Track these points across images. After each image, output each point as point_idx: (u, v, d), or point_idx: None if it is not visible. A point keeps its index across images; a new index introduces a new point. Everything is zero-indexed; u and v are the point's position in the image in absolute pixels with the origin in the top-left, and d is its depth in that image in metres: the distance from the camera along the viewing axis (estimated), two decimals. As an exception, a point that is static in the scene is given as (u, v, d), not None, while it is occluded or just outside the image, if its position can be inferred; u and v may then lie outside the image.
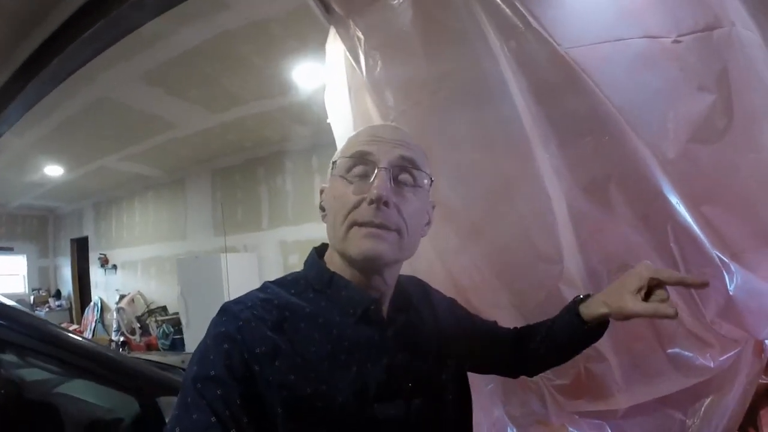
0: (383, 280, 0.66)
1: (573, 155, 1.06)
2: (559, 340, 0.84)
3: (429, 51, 1.27)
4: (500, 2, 1.07)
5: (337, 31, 1.49)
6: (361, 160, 0.63)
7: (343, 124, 1.52)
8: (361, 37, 1.38)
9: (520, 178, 1.17)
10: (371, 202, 0.60)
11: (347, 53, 1.46)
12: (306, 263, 0.71)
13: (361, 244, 0.60)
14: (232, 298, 0.62)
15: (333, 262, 0.67)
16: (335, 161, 0.67)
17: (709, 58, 0.94)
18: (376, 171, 0.62)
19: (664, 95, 0.98)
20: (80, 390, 1.40)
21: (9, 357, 1.30)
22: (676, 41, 0.94)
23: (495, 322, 0.92)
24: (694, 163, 0.96)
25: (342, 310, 0.63)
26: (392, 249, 0.62)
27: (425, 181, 0.68)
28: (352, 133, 0.71)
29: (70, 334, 1.37)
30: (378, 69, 1.37)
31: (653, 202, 0.99)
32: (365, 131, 0.68)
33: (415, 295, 0.77)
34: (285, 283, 0.66)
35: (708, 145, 0.95)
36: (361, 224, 0.61)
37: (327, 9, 1.52)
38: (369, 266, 0.63)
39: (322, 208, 0.69)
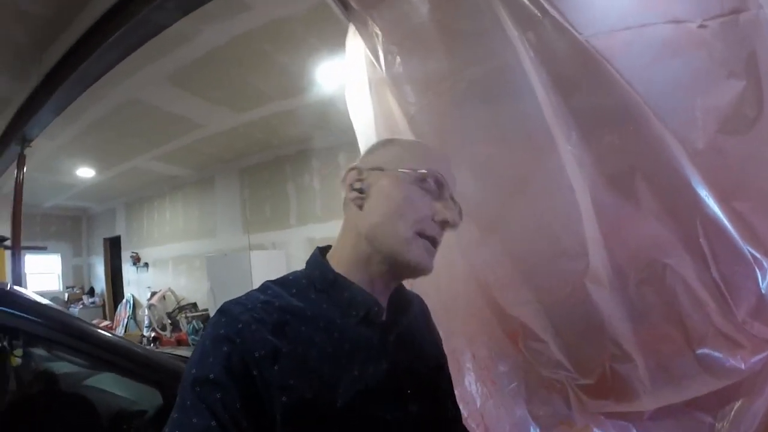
0: (395, 283, 0.69)
1: (596, 147, 1.03)
2: None
3: (447, 45, 1.26)
4: (517, -9, 1.04)
5: (356, 28, 1.49)
6: (435, 179, 0.66)
7: (364, 120, 1.52)
8: (379, 33, 1.38)
9: (542, 171, 1.14)
10: (445, 224, 0.65)
11: (366, 49, 1.46)
12: (309, 262, 0.70)
13: (422, 255, 0.63)
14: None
15: (339, 262, 0.67)
16: (402, 162, 0.67)
17: (736, 43, 0.89)
18: (448, 197, 0.67)
19: (691, 83, 0.93)
20: (107, 383, 1.45)
21: (40, 351, 1.36)
22: (701, 26, 0.90)
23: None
24: (723, 154, 0.91)
25: (344, 312, 0.63)
26: (432, 265, 0.66)
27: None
28: (424, 150, 0.73)
29: (97, 329, 1.42)
30: (397, 64, 1.36)
31: (681, 195, 0.94)
32: (443, 155, 0.72)
33: (415, 302, 0.77)
34: (286, 282, 0.66)
35: (738, 135, 0.90)
36: (426, 237, 0.64)
37: (345, 6, 1.52)
38: (412, 275, 0.67)
39: (362, 191, 0.67)
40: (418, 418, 0.64)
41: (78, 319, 1.46)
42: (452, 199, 0.68)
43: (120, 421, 1.38)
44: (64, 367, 1.42)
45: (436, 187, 0.66)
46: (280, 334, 0.57)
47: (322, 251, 0.71)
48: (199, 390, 0.52)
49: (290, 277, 0.67)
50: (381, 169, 0.67)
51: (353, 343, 0.61)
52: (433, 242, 0.65)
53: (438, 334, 0.83)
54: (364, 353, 0.61)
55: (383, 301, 0.67)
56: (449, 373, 0.76)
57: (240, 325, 0.56)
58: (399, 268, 0.65)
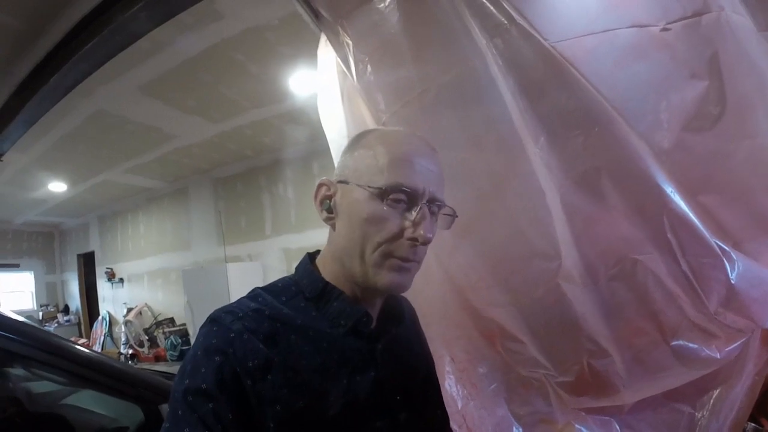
0: (381, 298, 0.67)
1: (563, 149, 1.05)
2: None
3: (417, 52, 1.27)
4: (485, 0, 1.06)
5: (327, 37, 1.50)
6: (403, 192, 0.59)
7: (335, 129, 1.52)
8: (350, 42, 1.39)
9: (512, 175, 1.16)
10: (416, 242, 0.59)
11: (338, 58, 1.46)
12: (298, 269, 0.69)
13: (392, 277, 0.60)
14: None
15: (328, 270, 0.66)
16: (368, 170, 0.61)
17: (699, 45, 0.92)
18: (420, 207, 0.60)
19: (655, 85, 0.97)
20: (86, 401, 1.41)
21: (17, 370, 1.31)
22: (664, 29, 0.93)
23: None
24: (688, 152, 0.94)
25: (332, 322, 0.63)
26: (411, 280, 0.63)
27: (450, 218, 0.67)
28: (391, 143, 0.63)
29: (75, 346, 1.38)
30: (368, 72, 1.37)
31: (648, 193, 0.97)
32: (410, 154, 0.62)
33: (406, 310, 0.77)
34: (276, 290, 0.65)
35: (702, 133, 0.93)
36: (396, 257, 0.60)
37: (316, 15, 1.52)
38: (386, 294, 0.66)
39: (330, 210, 0.64)
40: (408, 426, 0.64)
41: (55, 335, 1.42)
42: (429, 205, 0.61)
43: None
44: (42, 386, 1.38)
45: (405, 197, 0.59)
46: (272, 343, 0.57)
47: (312, 257, 0.70)
48: (192, 400, 0.52)
49: (279, 284, 0.66)
50: (346, 183, 0.63)
51: (342, 354, 0.61)
52: (406, 261, 0.60)
53: (425, 339, 0.83)
54: (352, 363, 0.61)
55: (373, 311, 0.66)
56: (437, 380, 0.77)
57: (232, 335, 0.55)
58: (371, 290, 0.63)
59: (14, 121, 3.09)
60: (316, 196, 0.66)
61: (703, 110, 0.94)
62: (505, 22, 1.03)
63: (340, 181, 0.64)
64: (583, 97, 0.97)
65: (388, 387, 0.64)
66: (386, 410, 0.63)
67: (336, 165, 0.69)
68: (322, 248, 0.71)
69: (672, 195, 0.96)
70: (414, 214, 0.60)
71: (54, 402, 1.39)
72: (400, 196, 0.59)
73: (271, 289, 0.65)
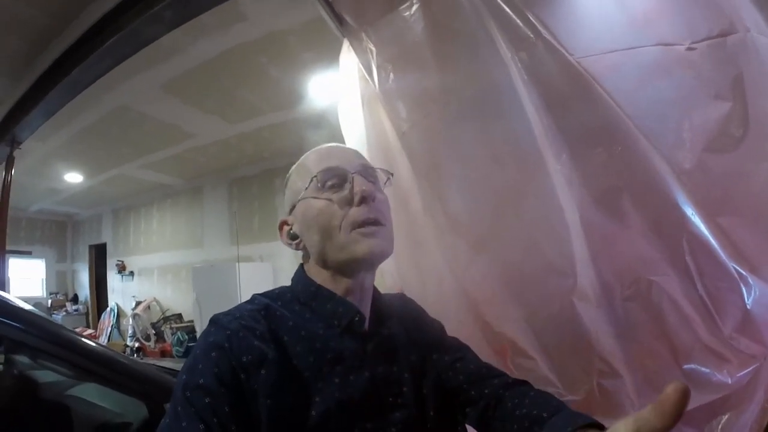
0: (370, 281, 0.70)
1: (585, 166, 1.05)
2: None
3: (440, 62, 1.28)
4: (511, 13, 1.07)
5: (350, 43, 1.51)
6: (330, 173, 0.67)
7: (356, 135, 1.53)
8: (373, 49, 1.40)
9: (532, 190, 1.16)
10: (361, 200, 0.65)
11: (360, 65, 1.47)
12: (293, 278, 0.73)
13: (367, 243, 0.64)
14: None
15: (318, 275, 0.69)
16: (299, 187, 0.70)
17: (724, 65, 0.92)
18: (350, 177, 0.67)
19: (678, 104, 0.96)
20: (91, 393, 1.42)
21: (23, 358, 1.32)
22: (690, 48, 0.93)
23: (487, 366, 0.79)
24: (709, 173, 0.93)
25: (326, 323, 0.65)
26: (389, 243, 0.67)
27: (385, 177, 0.74)
28: (306, 156, 0.75)
29: (83, 339, 1.40)
30: (390, 81, 1.38)
31: (668, 213, 0.96)
32: (317, 153, 0.73)
33: (397, 308, 0.78)
34: (272, 295, 0.69)
35: (724, 154, 0.92)
36: (359, 224, 0.64)
37: (340, 21, 1.54)
38: (373, 263, 0.67)
39: (294, 236, 0.71)
40: (403, 426, 0.64)
41: (62, 327, 1.43)
42: (360, 174, 0.67)
43: (104, 433, 1.35)
44: (47, 375, 1.39)
45: (334, 178, 0.67)
46: (266, 341, 0.59)
47: (305, 267, 0.73)
48: (189, 395, 0.54)
49: (276, 291, 0.71)
50: (293, 207, 0.71)
51: (335, 353, 0.63)
52: (369, 222, 0.65)
53: (433, 329, 0.83)
54: (345, 363, 0.63)
55: (365, 310, 0.69)
56: (437, 378, 0.74)
57: (229, 332, 0.58)
58: (358, 265, 0.66)
59: (33, 111, 3.16)
60: (281, 235, 0.74)
61: (726, 131, 0.93)
62: (531, 35, 1.04)
63: (290, 210, 0.72)
64: (607, 114, 0.96)
65: (381, 386, 0.65)
66: (378, 410, 0.63)
67: None
68: None
69: (692, 217, 0.95)
70: (350, 185, 0.66)
71: (60, 392, 1.40)
72: (334, 181, 0.67)
73: (269, 294, 0.70)
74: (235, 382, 0.55)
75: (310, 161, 0.72)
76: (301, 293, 0.68)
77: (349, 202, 0.65)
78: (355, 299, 0.68)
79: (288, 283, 0.73)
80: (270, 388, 0.56)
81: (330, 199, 0.66)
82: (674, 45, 0.94)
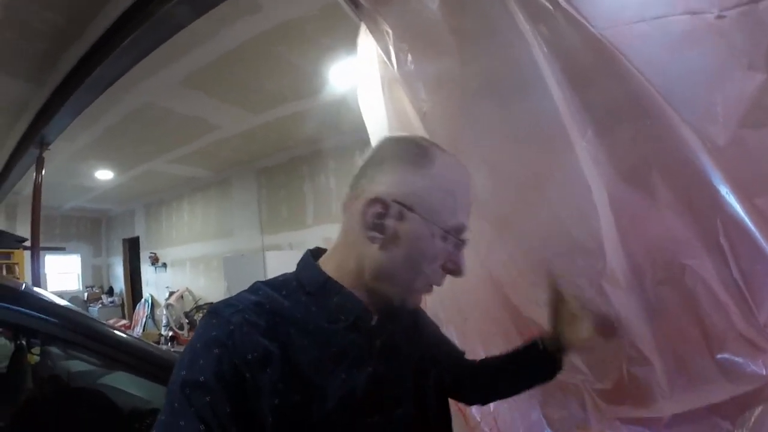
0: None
1: (612, 143, 1.00)
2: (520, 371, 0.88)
3: (458, 40, 1.24)
4: (528, -16, 1.02)
5: (367, 26, 1.49)
6: (459, 232, 0.64)
7: (376, 119, 1.51)
8: (390, 31, 1.37)
9: (557, 168, 1.11)
10: (454, 275, 0.64)
11: (378, 48, 1.45)
12: (299, 265, 0.69)
13: (419, 301, 0.66)
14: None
15: (331, 267, 0.65)
16: (432, 204, 0.61)
17: (756, 34, 0.84)
18: (461, 246, 0.64)
19: (710, 76, 0.90)
20: (121, 381, 1.48)
21: (57, 350, 1.38)
22: (719, 16, 0.86)
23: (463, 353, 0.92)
24: (745, 149, 0.87)
25: (332, 317, 0.62)
26: None
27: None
28: (458, 181, 0.66)
29: (112, 329, 1.45)
30: (408, 62, 1.35)
31: (701, 192, 0.90)
32: (468, 193, 0.67)
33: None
34: (276, 284, 0.65)
35: (760, 129, 0.86)
36: (432, 284, 0.64)
37: (356, 4, 1.51)
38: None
39: (381, 230, 0.60)
40: (405, 422, 0.64)
41: (93, 319, 1.49)
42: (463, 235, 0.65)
43: (134, 419, 1.40)
44: (79, 365, 1.45)
45: (456, 236, 0.63)
46: (272, 336, 0.56)
47: (314, 253, 0.70)
48: (189, 393, 0.51)
49: (280, 279, 0.67)
50: (410, 210, 0.60)
51: (340, 348, 0.61)
52: (437, 285, 0.65)
53: (432, 329, 0.84)
54: (350, 359, 0.61)
55: (372, 307, 0.65)
56: (440, 375, 0.75)
57: (231, 327, 0.55)
58: (388, 299, 0.65)
59: (59, 113, 3.26)
60: (365, 213, 0.61)
61: (761, 104, 0.86)
62: (550, 7, 0.98)
63: (400, 203, 0.60)
64: (634, 88, 0.91)
65: (384, 383, 0.63)
66: (383, 406, 0.62)
67: (382, 168, 0.65)
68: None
69: (727, 196, 0.89)
70: (457, 249, 0.64)
71: (92, 381, 1.46)
72: (452, 237, 0.63)
73: (272, 282, 0.65)
74: (237, 380, 0.53)
75: (463, 191, 0.65)
76: (308, 283, 0.64)
77: (443, 261, 0.63)
78: (365, 299, 0.64)
79: None
80: (276, 386, 0.54)
81: (440, 251, 0.62)
82: (703, 13, 0.87)
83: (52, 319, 1.23)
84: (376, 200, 0.60)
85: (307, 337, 0.59)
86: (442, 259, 0.62)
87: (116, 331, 1.45)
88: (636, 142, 0.97)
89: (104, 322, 1.56)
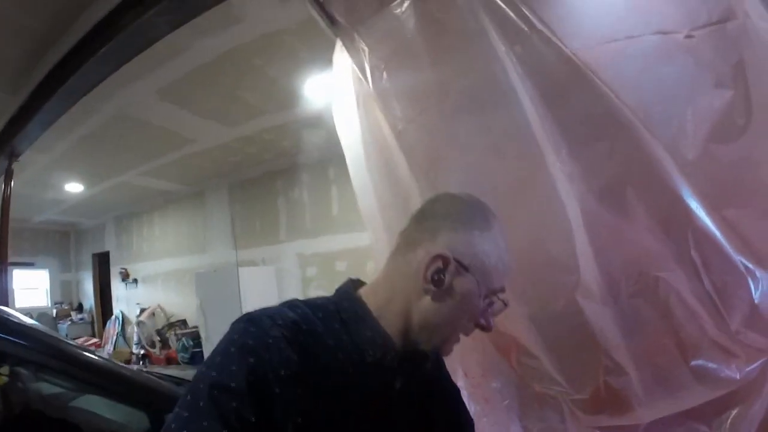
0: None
1: (586, 160, 1.03)
2: None
3: (434, 59, 1.26)
4: (504, 6, 1.04)
5: (343, 43, 1.50)
6: (496, 294, 0.67)
7: (351, 135, 1.52)
8: (366, 48, 1.38)
9: (531, 185, 1.14)
10: (481, 329, 0.67)
11: (353, 64, 1.45)
12: (340, 291, 0.70)
13: (449, 351, 0.68)
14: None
15: (374, 303, 0.67)
16: (484, 262, 0.64)
17: (724, 52, 0.90)
18: (496, 306, 0.67)
19: (680, 93, 0.94)
20: (94, 404, 1.42)
21: (28, 372, 1.32)
22: (689, 36, 0.90)
23: None
24: (714, 163, 0.91)
25: (360, 349, 0.63)
26: None
27: None
28: (504, 246, 0.68)
29: (84, 352, 1.40)
30: (384, 79, 1.36)
31: (672, 207, 0.94)
32: (510, 258, 0.69)
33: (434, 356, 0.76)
34: (314, 305, 0.65)
35: (728, 143, 0.90)
36: (458, 340, 0.68)
37: (332, 21, 1.52)
38: None
39: (439, 283, 0.63)
40: None
41: (64, 341, 1.43)
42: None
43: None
44: (51, 387, 1.39)
45: (493, 300, 0.66)
46: (304, 357, 0.57)
47: (354, 284, 0.71)
48: (217, 395, 0.51)
49: (318, 301, 0.67)
50: (467, 270, 0.63)
51: (364, 382, 0.62)
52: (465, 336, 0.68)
53: (455, 390, 0.84)
54: (371, 393, 0.62)
55: (401, 349, 0.66)
56: None
57: (270, 341, 0.55)
58: (418, 343, 0.66)
59: (32, 122, 3.15)
60: (427, 267, 0.64)
61: (729, 120, 0.91)
62: (526, 28, 1.02)
63: (460, 263, 0.63)
64: (606, 106, 0.94)
65: (398, 424, 0.65)
66: None
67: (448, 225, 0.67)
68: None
69: (697, 210, 0.92)
70: (490, 307, 0.67)
71: (63, 404, 1.40)
72: (489, 299, 0.66)
73: (310, 303, 0.66)
74: (267, 393, 0.53)
75: (507, 257, 0.68)
76: (345, 310, 0.66)
77: (477, 318, 0.66)
78: (398, 339, 0.66)
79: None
80: (301, 406, 0.55)
81: (477, 314, 0.65)
82: (673, 33, 0.92)
83: (21, 341, 1.19)
84: (439, 257, 0.63)
85: (336, 365, 0.60)
86: (479, 317, 0.66)
87: (88, 354, 1.39)
88: (609, 160, 1.00)
89: (73, 341, 1.51)
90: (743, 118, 0.89)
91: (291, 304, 0.64)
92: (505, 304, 0.68)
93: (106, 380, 1.30)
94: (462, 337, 0.74)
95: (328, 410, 0.57)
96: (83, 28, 2.39)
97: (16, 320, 1.33)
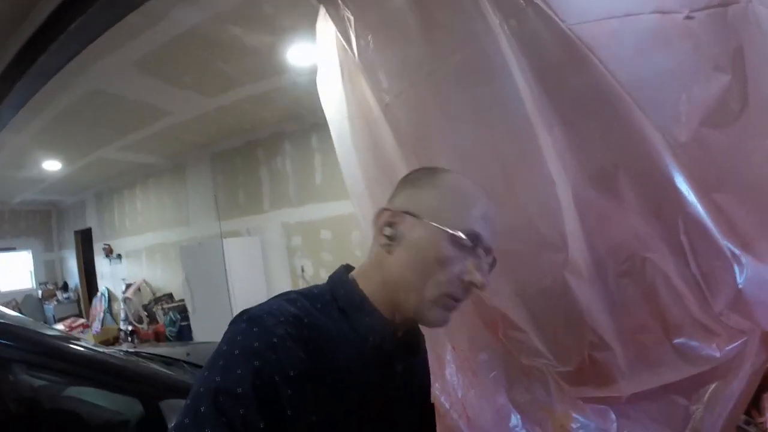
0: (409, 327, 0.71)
1: (579, 139, 1.01)
2: None
3: (424, 30, 1.21)
4: (499, -23, 1.00)
5: (327, 11, 1.43)
6: (475, 239, 0.64)
7: (335, 107, 1.48)
8: (351, 17, 1.32)
9: (523, 162, 1.13)
10: (475, 286, 0.64)
11: (338, 34, 1.40)
12: (334, 279, 0.70)
13: (441, 314, 0.65)
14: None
15: (370, 288, 0.66)
16: (441, 211, 0.64)
17: (723, 36, 0.87)
18: (483, 257, 0.65)
19: (676, 75, 0.92)
20: (88, 393, 1.42)
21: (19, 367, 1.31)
22: (688, 17, 0.88)
23: None
24: (706, 148, 0.90)
25: (361, 336, 0.63)
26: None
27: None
28: (472, 194, 0.68)
29: (76, 346, 1.39)
30: (370, 50, 1.31)
31: (663, 190, 0.94)
32: (483, 206, 0.68)
33: (422, 343, 0.79)
34: (311, 296, 0.64)
35: (721, 129, 0.89)
36: (450, 298, 0.64)
37: (315, -14, 1.45)
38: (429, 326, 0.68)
39: (392, 237, 0.65)
40: None
41: (53, 336, 1.42)
42: (486, 251, 0.66)
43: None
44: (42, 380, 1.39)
45: (471, 243, 0.63)
46: (311, 353, 0.56)
47: (347, 268, 0.71)
48: (222, 401, 0.49)
49: (315, 291, 0.67)
50: (415, 216, 0.64)
51: (365, 369, 0.62)
52: (458, 300, 0.65)
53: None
54: (377, 380, 0.63)
55: (398, 327, 0.67)
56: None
57: (274, 340, 0.53)
58: (414, 321, 0.66)
59: (2, 105, 3.01)
60: (377, 220, 0.67)
61: (724, 105, 0.89)
62: (521, 1, 0.98)
63: (408, 213, 0.65)
64: (602, 85, 0.92)
65: (397, 409, 0.66)
66: (396, 428, 0.66)
67: (396, 191, 0.72)
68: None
69: (687, 195, 0.92)
70: (477, 260, 0.64)
71: (56, 394, 1.39)
72: (468, 243, 0.63)
73: (307, 294, 0.65)
74: (276, 396, 0.51)
75: (479, 204, 0.67)
76: (342, 299, 0.65)
77: (460, 275, 0.63)
78: (395, 319, 0.66)
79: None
80: (315, 404, 0.54)
81: (451, 256, 0.63)
82: (673, 13, 0.89)
83: (10, 343, 1.17)
84: (385, 209, 0.67)
85: (341, 355, 0.60)
86: (457, 268, 0.63)
87: (78, 347, 1.38)
88: (602, 140, 0.99)
89: (60, 328, 1.49)
90: (738, 105, 0.88)
91: (289, 298, 0.62)
92: (494, 259, 0.68)
93: (96, 372, 1.29)
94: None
95: (340, 403, 0.57)
96: (52, 3, 2.24)
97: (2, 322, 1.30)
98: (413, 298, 0.63)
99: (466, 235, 0.62)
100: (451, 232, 0.62)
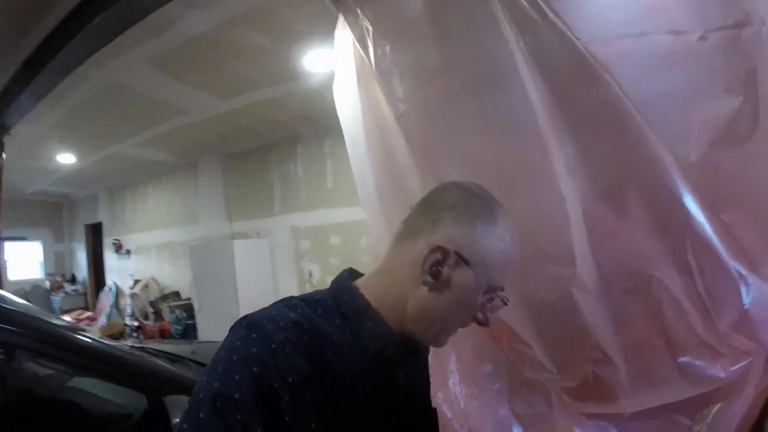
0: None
1: (589, 155, 1.02)
2: None
3: (440, 41, 1.23)
4: (517, -7, 1.02)
5: (345, 19, 1.46)
6: (496, 292, 0.67)
7: (350, 114, 1.49)
8: (370, 27, 1.35)
9: (533, 176, 1.13)
10: (478, 323, 0.67)
11: (356, 42, 1.42)
12: (336, 285, 0.69)
13: (446, 340, 0.67)
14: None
15: (372, 294, 0.66)
16: (487, 255, 0.65)
17: (736, 59, 0.88)
18: (495, 303, 0.68)
19: (687, 96, 0.92)
20: (92, 384, 1.43)
21: (24, 356, 1.32)
22: (702, 38, 0.88)
23: None
24: (715, 168, 0.91)
25: (363, 343, 0.63)
26: None
27: None
28: (512, 243, 0.69)
29: (83, 337, 1.40)
30: (387, 59, 1.33)
31: (672, 210, 0.94)
32: (511, 255, 0.69)
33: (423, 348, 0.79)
34: (312, 302, 0.64)
35: (731, 150, 0.89)
36: (455, 331, 0.69)
37: (335, -5, 1.47)
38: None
39: (436, 276, 0.63)
40: None
41: (60, 326, 1.44)
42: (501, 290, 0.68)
43: (106, 424, 1.36)
44: (48, 369, 1.40)
45: (493, 296, 0.67)
46: (311, 359, 0.56)
47: (351, 274, 0.71)
48: (221, 407, 0.50)
49: (316, 297, 0.67)
50: (467, 263, 0.63)
51: (368, 377, 0.62)
52: (462, 327, 0.69)
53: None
54: (379, 387, 0.63)
55: (402, 340, 0.67)
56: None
57: (274, 346, 0.54)
58: (411, 334, 0.67)
59: (22, 95, 3.07)
60: (426, 259, 0.64)
61: (735, 127, 0.90)
62: (537, 17, 0.98)
63: (460, 256, 0.63)
64: (615, 103, 0.93)
65: (401, 415, 0.66)
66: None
67: (450, 218, 0.68)
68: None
69: (696, 215, 0.92)
70: (490, 303, 0.67)
71: (61, 384, 1.41)
72: (490, 296, 0.67)
73: (308, 299, 0.65)
74: (274, 402, 0.52)
75: (512, 254, 0.69)
76: (345, 306, 0.65)
77: (474, 311, 0.67)
78: (396, 325, 0.66)
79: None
80: (314, 410, 0.54)
81: (480, 303, 0.66)
82: (686, 33, 0.89)
83: (18, 330, 1.18)
84: (439, 248, 0.63)
85: (342, 361, 0.60)
86: (477, 311, 0.66)
87: (84, 338, 1.40)
88: (613, 157, 0.99)
89: (67, 318, 1.51)
90: (749, 128, 0.88)
91: (290, 304, 0.62)
92: (505, 303, 0.68)
93: (102, 364, 1.31)
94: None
95: (340, 410, 0.57)
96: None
97: (8, 306, 1.32)
98: (431, 331, 0.66)
99: (497, 288, 0.66)
100: (492, 290, 0.66)
